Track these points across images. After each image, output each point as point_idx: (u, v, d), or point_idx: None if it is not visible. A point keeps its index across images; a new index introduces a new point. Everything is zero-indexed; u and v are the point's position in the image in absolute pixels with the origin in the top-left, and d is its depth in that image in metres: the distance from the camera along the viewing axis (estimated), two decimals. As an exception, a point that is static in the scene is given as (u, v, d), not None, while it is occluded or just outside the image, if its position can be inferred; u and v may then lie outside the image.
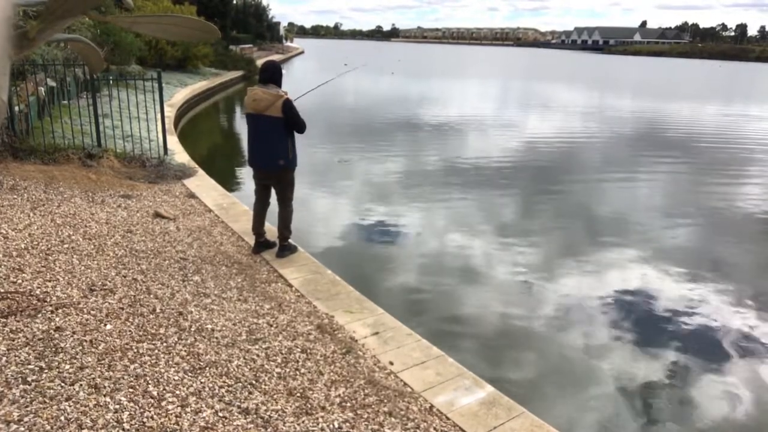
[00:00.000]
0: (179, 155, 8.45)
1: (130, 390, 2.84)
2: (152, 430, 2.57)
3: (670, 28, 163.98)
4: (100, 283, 4.00)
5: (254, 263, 4.68)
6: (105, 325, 3.45)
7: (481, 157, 11.41)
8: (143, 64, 18.11)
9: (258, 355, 3.27)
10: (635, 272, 5.92)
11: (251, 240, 5.01)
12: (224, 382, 2.99)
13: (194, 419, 2.67)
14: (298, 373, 3.14)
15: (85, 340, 3.24)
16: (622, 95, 28.93)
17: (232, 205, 6.21)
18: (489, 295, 5.25)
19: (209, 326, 3.55)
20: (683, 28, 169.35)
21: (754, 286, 5.73)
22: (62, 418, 2.59)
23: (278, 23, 68.45)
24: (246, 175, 8.70)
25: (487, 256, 6.21)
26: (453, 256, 6.14)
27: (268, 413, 2.77)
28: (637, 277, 5.82)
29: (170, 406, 2.75)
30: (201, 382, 2.96)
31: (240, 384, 2.99)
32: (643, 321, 4.93)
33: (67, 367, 2.98)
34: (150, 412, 2.69)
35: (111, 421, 2.60)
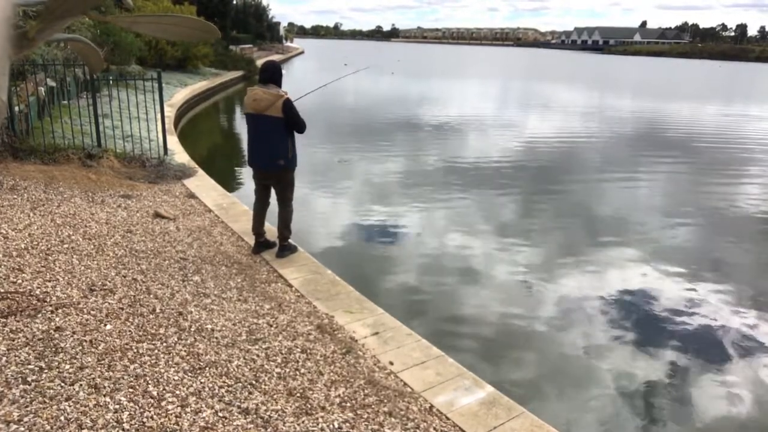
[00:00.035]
0: (179, 155, 8.45)
1: (130, 390, 2.84)
2: (152, 430, 2.57)
3: (670, 28, 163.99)
4: (100, 283, 4.00)
5: (254, 263, 4.68)
6: (105, 325, 3.44)
7: (481, 157, 11.42)
8: (143, 64, 18.11)
9: (258, 355, 3.27)
10: (635, 272, 5.92)
11: (251, 240, 5.01)
12: (224, 382, 2.99)
13: (194, 419, 2.67)
14: (298, 373, 3.14)
15: (85, 340, 3.24)
16: (622, 95, 28.93)
17: (232, 205, 6.21)
18: (489, 295, 5.25)
19: (209, 326, 3.55)
20: (683, 28, 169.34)
21: (754, 286, 5.73)
22: (62, 418, 2.59)
23: (278, 23, 68.45)
24: (246, 175, 8.70)
25: (487, 256, 6.21)
26: (453, 256, 6.13)
27: (268, 413, 2.77)
28: (637, 276, 5.82)
29: (170, 406, 2.75)
30: (201, 382, 2.96)
31: (240, 384, 2.98)
32: (643, 321, 4.93)
33: (67, 367, 2.98)
34: (150, 412, 2.69)
35: (111, 421, 2.60)
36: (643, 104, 24.33)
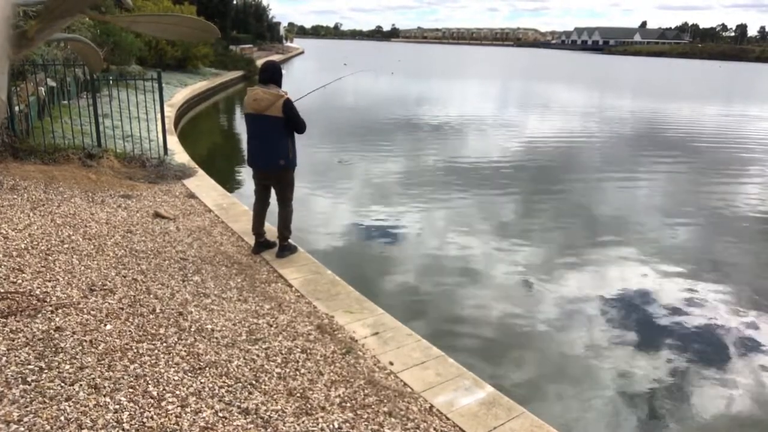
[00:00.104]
0: (179, 155, 8.45)
1: (130, 390, 2.84)
2: (152, 430, 2.57)
3: (670, 28, 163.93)
4: (100, 283, 4.00)
5: (254, 263, 4.68)
6: (105, 325, 3.44)
7: (481, 157, 11.42)
8: (143, 64, 18.11)
9: (258, 356, 3.27)
10: (635, 272, 5.92)
11: (251, 240, 5.01)
12: (224, 382, 2.99)
13: (194, 419, 2.67)
14: (298, 373, 3.14)
15: (85, 340, 3.24)
16: (622, 95, 28.93)
17: (232, 205, 6.21)
18: (489, 295, 5.25)
19: (209, 326, 3.55)
20: (683, 28, 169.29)
21: (754, 286, 5.73)
22: (62, 418, 2.59)
23: (278, 23, 68.46)
24: (246, 175, 8.70)
25: (487, 256, 6.21)
26: (453, 256, 6.13)
27: (268, 413, 2.77)
28: (637, 276, 5.82)
29: (170, 407, 2.74)
30: (201, 383, 2.96)
31: (240, 384, 2.98)
32: (643, 321, 4.93)
33: (67, 367, 2.98)
34: (150, 412, 2.69)
35: (111, 421, 2.60)
36: (643, 104, 24.33)
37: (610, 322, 4.85)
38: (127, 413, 2.66)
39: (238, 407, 2.79)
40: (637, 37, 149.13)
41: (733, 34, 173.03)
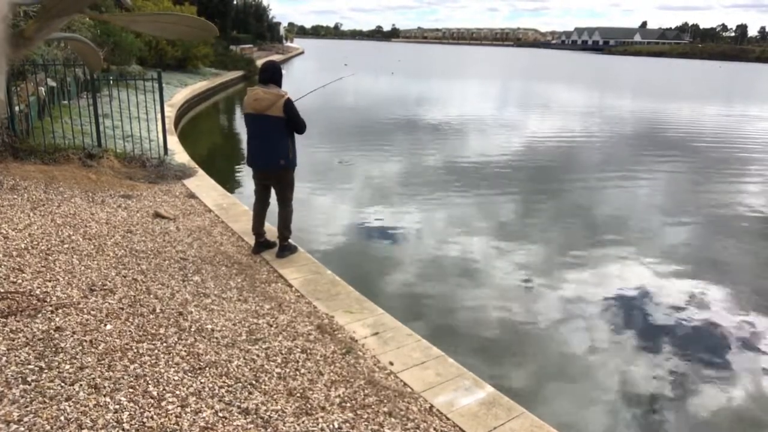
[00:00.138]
0: (179, 155, 8.45)
1: (130, 390, 2.83)
2: (152, 430, 2.57)
3: (671, 28, 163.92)
4: (100, 283, 4.00)
5: (254, 263, 4.68)
6: (105, 325, 3.44)
7: (481, 158, 11.41)
8: (143, 64, 18.11)
9: (258, 356, 3.27)
10: (635, 272, 5.92)
11: (251, 240, 5.01)
12: (224, 382, 2.99)
13: (194, 419, 2.67)
14: (298, 373, 3.14)
15: (85, 340, 3.24)
16: (622, 95, 28.93)
17: (232, 205, 6.21)
18: (489, 295, 5.25)
19: (209, 326, 3.55)
20: (683, 28, 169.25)
21: (754, 286, 5.73)
22: (62, 418, 2.59)
23: (278, 23, 68.46)
24: (246, 175, 8.70)
25: (487, 256, 6.20)
26: (453, 256, 6.13)
27: (268, 413, 2.77)
28: (637, 276, 5.81)
29: (170, 407, 2.74)
30: (201, 383, 2.96)
31: (240, 384, 2.98)
32: (643, 321, 4.93)
33: (67, 367, 2.98)
34: (150, 412, 2.69)
35: (111, 421, 2.60)
36: (643, 104, 24.33)
37: (609, 322, 4.85)
38: (127, 413, 2.66)
39: (238, 407, 2.79)
40: (638, 38, 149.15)
41: (733, 34, 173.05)
